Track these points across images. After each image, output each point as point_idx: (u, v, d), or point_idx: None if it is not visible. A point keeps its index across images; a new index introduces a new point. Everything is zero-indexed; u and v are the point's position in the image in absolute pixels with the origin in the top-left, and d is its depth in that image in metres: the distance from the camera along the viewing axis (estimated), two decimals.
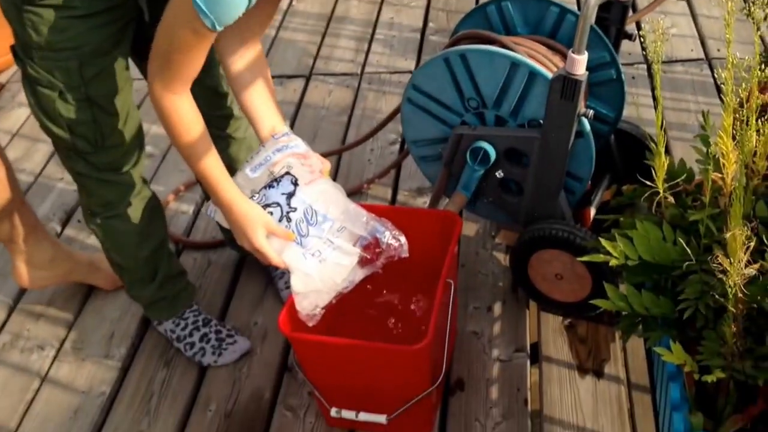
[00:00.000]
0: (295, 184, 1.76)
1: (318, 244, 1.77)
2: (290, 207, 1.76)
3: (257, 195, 1.76)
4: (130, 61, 1.89)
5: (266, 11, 1.76)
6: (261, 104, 1.84)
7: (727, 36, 1.50)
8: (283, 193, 1.76)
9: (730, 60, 1.44)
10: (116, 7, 1.71)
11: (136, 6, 1.77)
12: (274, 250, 1.75)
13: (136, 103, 1.96)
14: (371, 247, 1.82)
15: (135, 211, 2.03)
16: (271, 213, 1.74)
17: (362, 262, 1.82)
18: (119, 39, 1.78)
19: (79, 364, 2.29)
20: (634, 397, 1.98)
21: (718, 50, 3.06)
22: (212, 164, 1.72)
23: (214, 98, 2.07)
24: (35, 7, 1.67)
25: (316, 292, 1.77)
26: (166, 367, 2.24)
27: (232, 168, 2.19)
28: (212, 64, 1.98)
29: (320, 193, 1.79)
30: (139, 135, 1.97)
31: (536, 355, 2.11)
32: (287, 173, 1.77)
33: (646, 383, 2.00)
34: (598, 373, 2.03)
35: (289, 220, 1.75)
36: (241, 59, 1.80)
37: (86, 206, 2.05)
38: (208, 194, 1.79)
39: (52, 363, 2.31)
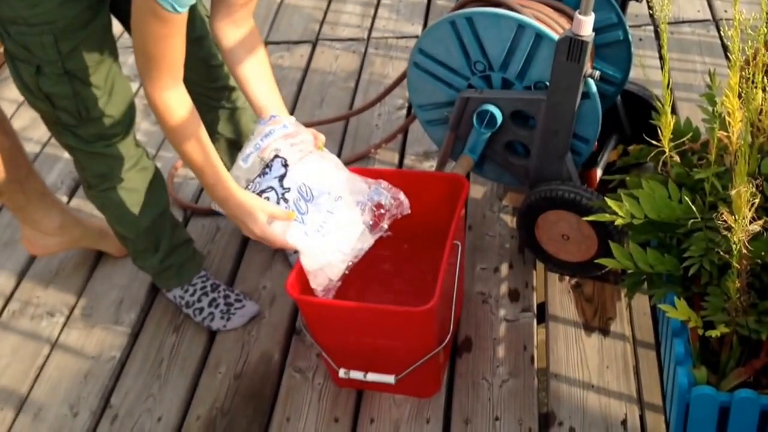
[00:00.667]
0: (285, 165, 1.78)
1: (318, 218, 1.79)
2: (284, 188, 1.77)
3: (252, 184, 1.78)
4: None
5: None
6: (255, 81, 1.85)
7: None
8: (275, 177, 1.77)
9: (737, 18, 1.43)
10: None
11: None
12: (278, 233, 1.77)
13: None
14: (373, 211, 1.84)
15: (132, 182, 2.03)
16: (268, 198, 1.76)
17: (369, 228, 1.83)
18: (95, 12, 1.75)
19: (88, 330, 2.31)
20: (640, 353, 1.99)
21: (725, 11, 3.04)
22: (208, 162, 1.73)
23: (210, 70, 2.08)
24: None
25: (327, 266, 1.80)
26: (175, 332, 2.25)
27: (234, 139, 2.20)
28: (203, 35, 1.98)
29: (311, 169, 1.80)
30: (129, 107, 1.96)
31: (543, 315, 2.13)
32: (276, 156, 1.79)
33: (651, 340, 2.01)
34: (604, 331, 2.05)
35: (285, 201, 1.76)
36: (233, 34, 1.81)
37: (83, 179, 2.06)
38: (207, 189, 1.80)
39: (62, 329, 2.32)
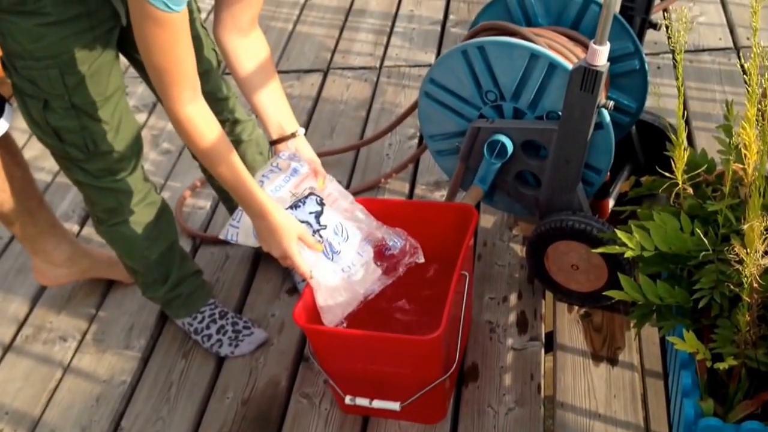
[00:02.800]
0: (321, 204, 1.82)
1: (348, 258, 1.84)
2: (320, 225, 1.81)
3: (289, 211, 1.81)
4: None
5: None
6: (268, 103, 1.86)
7: (754, 24, 1.48)
8: (310, 212, 1.81)
9: (756, 49, 1.43)
10: (91, 13, 1.70)
11: (113, 12, 1.76)
12: (306, 260, 1.79)
13: (150, 103, 1.97)
14: (392, 257, 1.89)
15: (140, 216, 2.04)
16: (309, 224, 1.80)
17: (385, 271, 1.88)
18: (102, 46, 1.76)
19: (100, 355, 2.32)
20: (648, 382, 1.98)
21: (748, 39, 3.00)
22: (240, 172, 1.72)
23: (214, 103, 2.07)
24: (9, 15, 1.67)
25: (345, 305, 1.84)
26: (184, 358, 2.26)
27: None
28: (209, 69, 1.99)
29: (344, 210, 1.86)
30: (136, 141, 1.96)
31: (551, 344, 2.12)
32: (311, 194, 1.83)
33: (660, 369, 2.00)
34: (613, 361, 2.03)
35: (320, 237, 1.80)
36: (240, 47, 1.82)
37: (92, 214, 2.07)
38: (237, 202, 1.79)
39: (74, 354, 2.34)
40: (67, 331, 2.41)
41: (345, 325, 1.83)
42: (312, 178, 1.88)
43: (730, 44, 3.02)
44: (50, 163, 3.00)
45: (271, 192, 1.81)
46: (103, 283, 2.52)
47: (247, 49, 1.83)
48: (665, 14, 3.10)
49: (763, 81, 1.43)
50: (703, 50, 2.99)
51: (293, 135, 1.89)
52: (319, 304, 1.82)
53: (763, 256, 1.32)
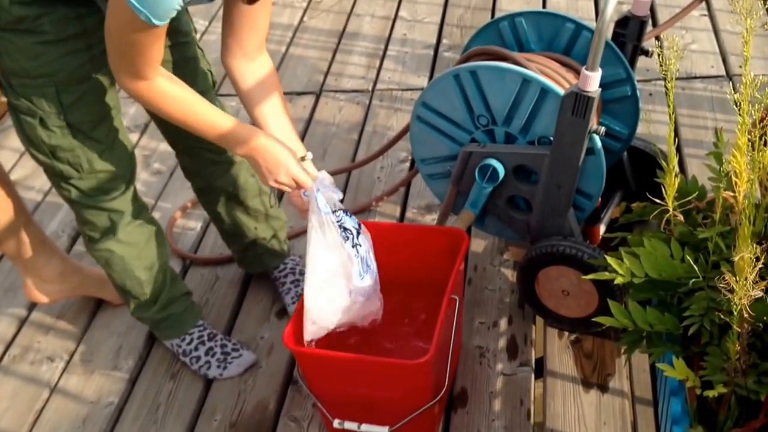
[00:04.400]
0: (358, 228, 1.84)
1: (370, 287, 1.85)
2: (358, 242, 1.82)
3: (338, 212, 1.81)
4: None
5: (253, 16, 1.76)
6: (274, 127, 1.85)
7: (745, 53, 1.49)
8: (353, 227, 1.82)
9: (746, 78, 1.44)
10: (89, 32, 1.69)
11: None
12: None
13: (142, 123, 1.97)
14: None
15: (132, 236, 2.03)
16: (348, 237, 1.80)
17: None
18: (98, 65, 1.76)
19: (87, 375, 2.30)
20: (638, 410, 1.97)
21: (740, 66, 3.00)
22: (220, 120, 1.74)
23: None
24: (6, 33, 1.67)
25: (327, 328, 1.85)
26: (172, 379, 2.24)
27: (233, 192, 2.20)
28: (205, 90, 1.98)
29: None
30: (129, 161, 1.96)
31: (541, 370, 2.11)
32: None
33: (650, 397, 1.99)
34: (603, 387, 2.03)
35: (358, 251, 1.81)
36: (247, 73, 1.82)
37: (83, 233, 2.06)
38: (228, 149, 1.82)
39: (61, 374, 2.32)
40: (54, 351, 2.39)
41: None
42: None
43: (723, 72, 3.04)
44: (40, 182, 3.00)
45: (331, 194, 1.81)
46: (91, 304, 2.51)
47: (254, 73, 1.83)
48: (657, 41, 3.12)
49: (753, 110, 1.44)
50: (696, 77, 3.01)
51: (302, 159, 1.87)
52: (312, 319, 1.80)
53: (752, 286, 1.32)
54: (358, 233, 1.83)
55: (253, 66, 1.83)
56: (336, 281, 1.80)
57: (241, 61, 1.81)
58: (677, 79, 3.00)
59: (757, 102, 1.43)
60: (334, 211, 1.79)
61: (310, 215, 1.78)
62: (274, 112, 1.86)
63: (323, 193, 1.78)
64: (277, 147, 1.76)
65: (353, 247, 1.80)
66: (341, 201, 1.84)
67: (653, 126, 2.55)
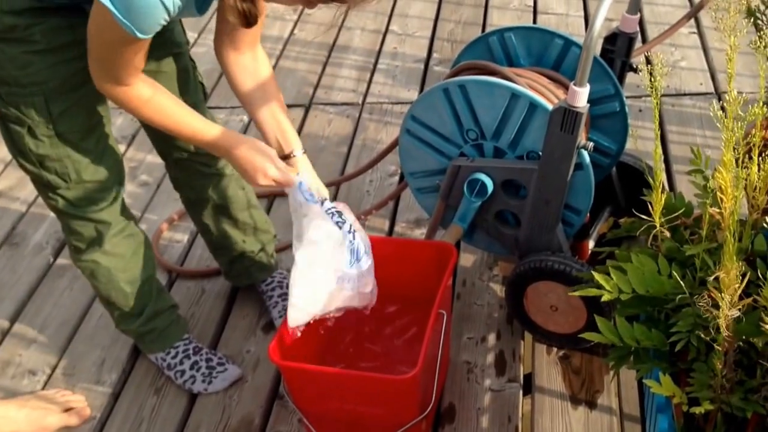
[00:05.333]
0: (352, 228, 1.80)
1: (361, 274, 1.80)
2: (353, 231, 1.78)
3: (329, 202, 1.78)
4: None
5: None
6: (264, 120, 1.84)
7: (729, 71, 1.50)
8: (349, 223, 1.78)
9: (731, 95, 1.44)
10: (80, 42, 1.66)
11: None
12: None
13: (129, 135, 1.95)
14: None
15: (118, 248, 2.01)
16: (342, 223, 1.76)
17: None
18: (88, 75, 1.72)
19: (69, 389, 2.26)
20: (626, 426, 1.97)
21: (728, 82, 3.02)
22: (196, 123, 1.74)
23: None
24: None
25: (312, 314, 1.80)
26: (156, 394, 2.22)
27: (222, 204, 2.18)
28: (196, 102, 1.97)
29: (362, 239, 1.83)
30: (118, 172, 1.95)
31: (529, 386, 2.10)
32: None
33: (638, 413, 1.98)
34: (591, 404, 2.02)
35: (353, 238, 1.77)
36: (240, 65, 1.81)
37: (69, 243, 2.04)
38: (206, 150, 1.81)
39: (43, 388, 2.29)
40: (36, 364, 2.36)
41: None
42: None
43: (711, 89, 3.06)
44: (25, 193, 2.98)
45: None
46: (75, 316, 2.48)
47: (246, 65, 1.82)
48: (646, 58, 3.13)
49: (736, 129, 1.43)
50: (684, 94, 3.02)
51: (286, 157, 1.85)
52: (299, 306, 1.77)
53: (735, 304, 1.31)
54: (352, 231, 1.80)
55: (243, 58, 1.82)
56: (323, 267, 1.76)
57: (232, 52, 1.81)
58: (666, 95, 3.02)
59: (740, 120, 1.42)
60: (323, 201, 1.77)
61: (296, 209, 1.77)
62: (265, 105, 1.84)
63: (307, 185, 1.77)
64: (253, 153, 1.74)
65: (349, 232, 1.77)
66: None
67: (642, 142, 2.55)
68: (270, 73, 1.87)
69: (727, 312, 1.27)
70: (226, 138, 1.76)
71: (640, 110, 2.96)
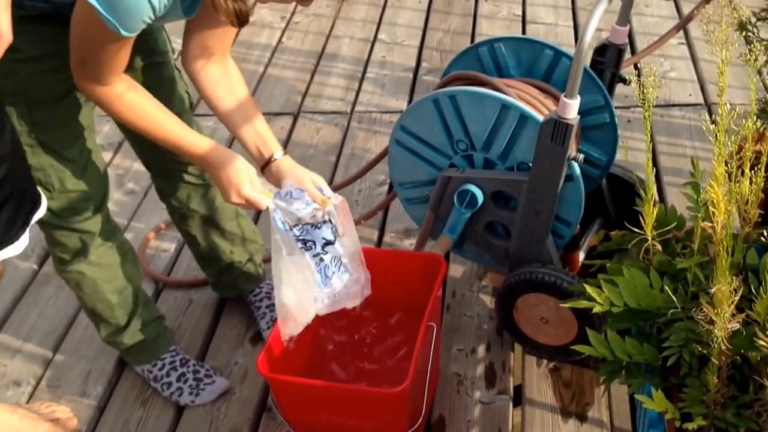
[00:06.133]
0: (335, 234, 1.79)
1: (336, 289, 1.81)
2: (324, 251, 1.79)
3: (299, 227, 1.76)
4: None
5: (221, 26, 1.73)
6: (242, 129, 1.82)
7: (721, 84, 1.49)
8: (323, 238, 1.78)
9: (722, 109, 1.43)
10: (64, 51, 1.64)
11: None
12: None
13: (116, 142, 1.93)
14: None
15: (104, 258, 1.99)
16: (310, 248, 1.76)
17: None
18: (72, 84, 1.70)
19: (55, 401, 2.22)
20: None
21: (718, 95, 3.00)
22: (177, 129, 1.72)
23: None
24: None
25: (304, 324, 1.80)
26: (142, 406, 2.19)
27: (209, 215, 2.16)
28: (180, 112, 1.93)
29: (350, 246, 1.83)
30: (102, 181, 1.93)
31: (519, 398, 2.09)
32: (329, 221, 1.79)
33: (629, 427, 1.97)
34: (581, 417, 2.01)
35: (321, 260, 1.78)
36: (213, 80, 1.79)
37: (54, 255, 2.01)
38: (187, 159, 1.79)
39: (28, 400, 2.26)
40: (21, 375, 2.33)
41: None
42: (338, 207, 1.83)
43: (701, 100, 3.06)
44: None
45: (296, 210, 1.76)
46: (60, 326, 2.46)
47: (219, 75, 1.80)
48: (635, 69, 3.13)
49: (729, 143, 1.43)
50: (674, 105, 3.02)
51: (272, 160, 1.83)
52: (293, 317, 1.78)
53: (732, 316, 1.30)
54: (327, 242, 1.79)
55: (217, 69, 1.80)
56: (300, 289, 1.77)
57: (207, 64, 1.79)
58: (656, 106, 3.01)
59: (734, 133, 1.42)
60: (293, 227, 1.75)
61: (272, 232, 1.76)
62: (241, 113, 1.82)
63: (281, 209, 1.75)
64: (228, 166, 1.72)
65: (314, 257, 1.77)
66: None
67: (632, 153, 2.54)
68: (242, 81, 1.85)
69: (727, 326, 1.26)
70: (205, 147, 1.73)
71: (629, 121, 2.95)
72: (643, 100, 1.51)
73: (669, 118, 2.95)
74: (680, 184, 2.57)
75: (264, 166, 1.84)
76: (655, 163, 2.75)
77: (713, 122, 1.44)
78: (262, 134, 1.83)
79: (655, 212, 1.58)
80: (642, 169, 2.33)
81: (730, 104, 1.45)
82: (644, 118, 1.54)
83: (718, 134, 1.39)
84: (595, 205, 2.18)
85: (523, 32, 3.59)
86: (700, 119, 2.89)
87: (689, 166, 2.66)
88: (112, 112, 1.68)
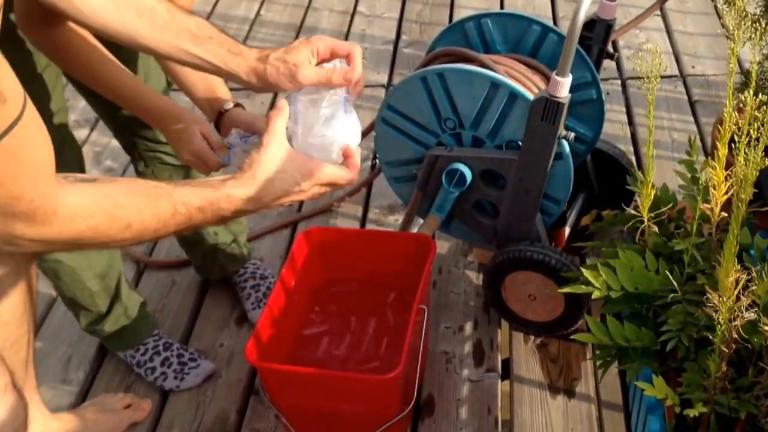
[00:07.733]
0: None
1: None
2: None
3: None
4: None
5: None
6: (188, 83, 1.74)
7: (731, 66, 1.47)
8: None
9: (730, 91, 1.41)
10: (13, 32, 1.57)
11: None
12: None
13: (93, 118, 1.88)
14: None
15: None
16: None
17: None
18: (43, 65, 1.66)
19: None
20: (605, 415, 1.96)
21: (693, 67, 3.04)
22: (129, 80, 1.63)
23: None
24: None
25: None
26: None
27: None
28: (159, 91, 1.88)
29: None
30: (78, 164, 1.88)
31: (507, 372, 2.09)
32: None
33: (618, 401, 1.98)
34: (570, 393, 2.01)
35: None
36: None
37: None
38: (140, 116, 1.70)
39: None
40: None
41: None
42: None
43: (676, 72, 3.06)
44: None
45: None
46: (39, 311, 2.39)
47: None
48: (614, 45, 3.12)
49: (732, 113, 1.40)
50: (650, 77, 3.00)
51: (224, 112, 1.71)
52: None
53: (743, 308, 1.28)
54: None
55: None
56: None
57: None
58: (632, 78, 3.01)
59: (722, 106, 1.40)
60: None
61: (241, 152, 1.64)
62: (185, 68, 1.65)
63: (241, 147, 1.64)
64: (185, 124, 1.65)
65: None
66: None
67: (609, 125, 2.53)
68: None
69: (732, 313, 1.24)
70: (152, 99, 1.65)
71: (607, 93, 2.94)
72: (646, 78, 1.48)
73: (645, 91, 2.93)
74: (660, 156, 2.59)
75: (219, 121, 1.75)
76: (632, 135, 2.75)
77: (689, 94, 1.41)
78: (213, 86, 1.74)
79: (652, 195, 1.56)
80: (620, 141, 2.33)
81: (703, 75, 1.43)
82: (648, 93, 1.50)
83: (725, 114, 1.37)
84: (579, 181, 2.15)
85: (502, 5, 3.55)
86: (676, 91, 2.93)
87: (667, 137, 2.70)
88: (59, 60, 1.59)
